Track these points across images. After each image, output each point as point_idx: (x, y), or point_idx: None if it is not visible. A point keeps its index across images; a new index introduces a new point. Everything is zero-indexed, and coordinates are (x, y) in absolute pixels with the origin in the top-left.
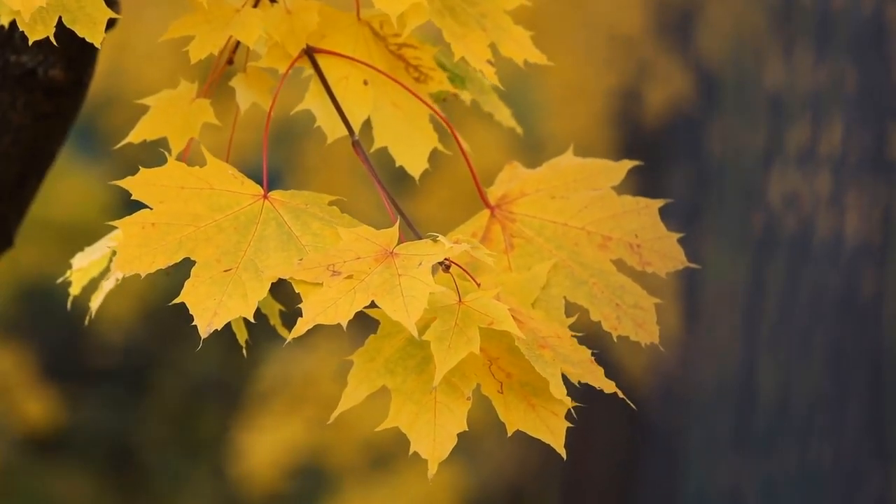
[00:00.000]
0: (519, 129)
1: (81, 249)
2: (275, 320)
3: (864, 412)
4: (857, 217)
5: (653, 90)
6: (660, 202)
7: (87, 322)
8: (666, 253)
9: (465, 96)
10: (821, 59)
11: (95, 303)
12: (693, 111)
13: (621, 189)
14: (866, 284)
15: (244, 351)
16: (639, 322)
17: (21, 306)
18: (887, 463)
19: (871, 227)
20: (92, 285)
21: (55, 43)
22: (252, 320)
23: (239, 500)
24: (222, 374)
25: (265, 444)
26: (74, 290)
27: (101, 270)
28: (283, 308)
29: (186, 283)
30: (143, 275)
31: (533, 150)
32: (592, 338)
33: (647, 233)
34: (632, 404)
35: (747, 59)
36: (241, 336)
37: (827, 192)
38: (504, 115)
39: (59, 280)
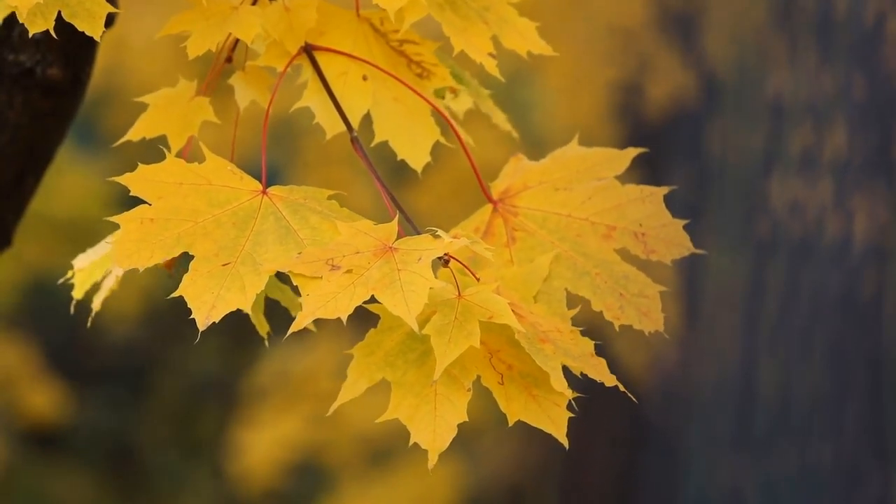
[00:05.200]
0: (515, 133)
1: (83, 245)
2: (296, 312)
3: (864, 412)
4: (857, 218)
5: (654, 85)
6: (664, 189)
7: (89, 324)
8: (671, 240)
9: (464, 97)
10: (823, 60)
11: (97, 302)
12: (695, 107)
13: (624, 182)
14: (867, 285)
15: (266, 342)
16: (643, 311)
17: (23, 302)
18: (887, 463)
19: (871, 227)
20: (95, 288)
21: (55, 36)
22: (249, 313)
23: (238, 498)
24: (222, 373)
25: (263, 442)
26: (77, 294)
27: (104, 274)
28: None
29: (185, 277)
30: (140, 270)
31: (534, 146)
32: (592, 334)
33: (651, 221)
34: (633, 397)
35: (749, 59)
36: (262, 328)
37: (827, 194)
38: (500, 119)
39: (61, 281)
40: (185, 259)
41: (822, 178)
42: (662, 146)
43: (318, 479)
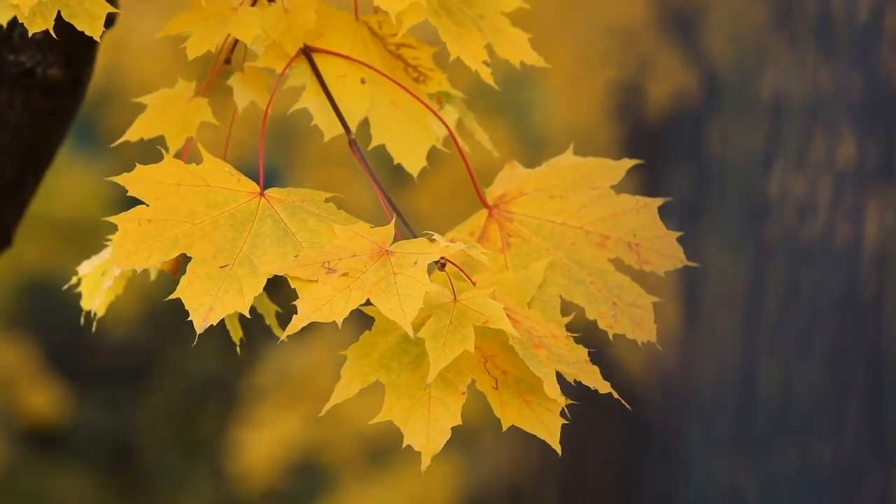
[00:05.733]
0: (496, 153)
1: (83, 245)
2: (270, 320)
3: (864, 412)
4: (858, 218)
5: (655, 85)
6: (659, 201)
7: (94, 328)
8: (665, 252)
9: (450, 112)
10: (823, 60)
11: (101, 307)
12: (695, 107)
13: (622, 186)
14: (867, 285)
15: (238, 349)
16: (636, 321)
17: (23, 302)
18: (887, 463)
19: (871, 227)
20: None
21: (54, 36)
22: (248, 315)
23: (238, 497)
24: (222, 373)
25: (263, 442)
26: (86, 304)
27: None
28: (279, 309)
29: (182, 279)
30: (139, 270)
31: (534, 147)
32: (590, 336)
33: (645, 232)
34: (627, 405)
35: (749, 59)
36: (236, 335)
37: (828, 194)
38: (483, 138)
39: (65, 287)
40: (187, 261)
41: (823, 178)
42: (662, 146)
43: (318, 478)
